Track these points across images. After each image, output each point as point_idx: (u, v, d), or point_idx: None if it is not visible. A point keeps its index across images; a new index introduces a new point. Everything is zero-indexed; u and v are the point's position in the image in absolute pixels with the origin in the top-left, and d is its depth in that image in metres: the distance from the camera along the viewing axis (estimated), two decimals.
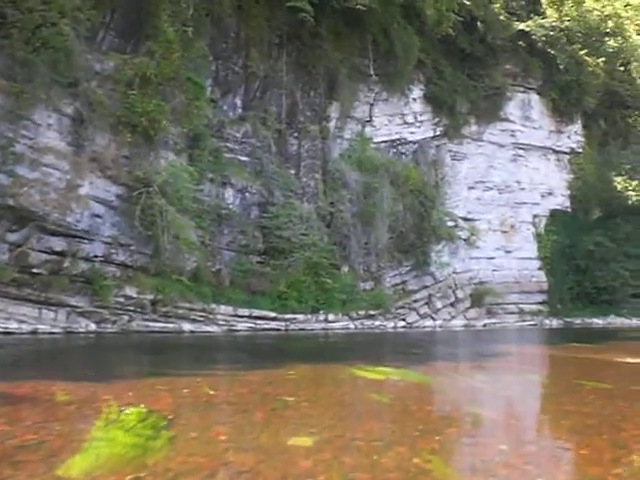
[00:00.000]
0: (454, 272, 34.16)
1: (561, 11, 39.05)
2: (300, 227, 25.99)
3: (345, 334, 25.00)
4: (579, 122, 42.13)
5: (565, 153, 41.70)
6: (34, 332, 17.99)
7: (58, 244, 18.72)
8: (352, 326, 27.14)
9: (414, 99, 34.35)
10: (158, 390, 8.52)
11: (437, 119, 35.38)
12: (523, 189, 39.14)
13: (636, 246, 38.79)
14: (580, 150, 42.18)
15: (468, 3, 33.31)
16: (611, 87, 41.59)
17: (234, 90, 26.90)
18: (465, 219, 35.83)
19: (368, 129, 32.38)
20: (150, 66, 20.78)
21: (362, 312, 27.91)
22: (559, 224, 40.24)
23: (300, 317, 25.53)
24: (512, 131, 38.69)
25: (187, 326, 21.85)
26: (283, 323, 24.82)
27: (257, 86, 27.60)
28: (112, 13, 21.57)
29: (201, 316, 22.46)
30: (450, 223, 33.93)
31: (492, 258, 36.88)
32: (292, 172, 27.99)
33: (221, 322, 22.99)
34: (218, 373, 11.24)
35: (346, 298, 27.59)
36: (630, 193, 38.92)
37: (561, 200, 41.09)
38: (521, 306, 36.64)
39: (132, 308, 20.65)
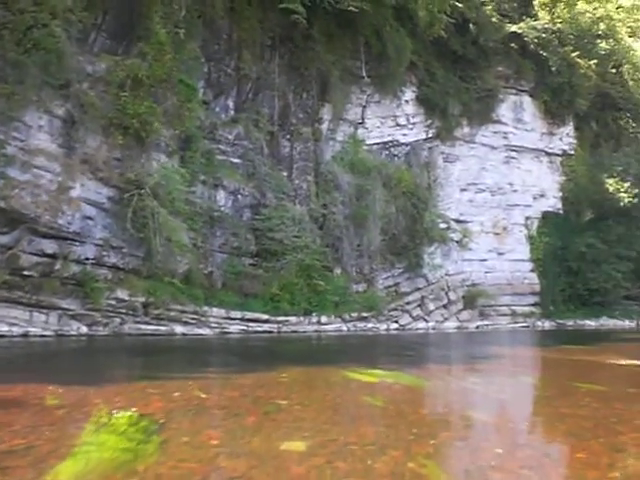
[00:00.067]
0: (446, 274, 34.15)
1: (553, 13, 39.18)
2: (292, 229, 25.93)
3: (338, 336, 24.95)
4: (571, 124, 42.19)
5: (557, 155, 41.74)
6: (25, 335, 17.89)
7: (49, 246, 18.63)
8: (345, 328, 27.07)
9: (406, 101, 34.33)
10: (149, 394, 8.46)
11: (429, 121, 35.37)
12: (515, 191, 39.15)
13: (628, 248, 38.86)
14: (572, 152, 42.22)
15: (460, 5, 33.32)
16: (603, 89, 41.67)
17: (226, 92, 26.84)
18: (457, 221, 35.80)
19: (360, 131, 32.36)
20: (142, 68, 20.71)
21: (355, 314, 27.87)
22: (551, 226, 40.26)
23: (292, 319, 25.47)
24: (504, 133, 38.71)
25: (179, 329, 21.76)
26: (275, 325, 24.76)
27: (249, 88, 27.54)
28: (104, 14, 21.47)
29: (193, 319, 22.37)
30: (442, 225, 33.89)
31: (484, 260, 36.88)
32: (284, 174, 27.94)
33: (213, 325, 22.92)
34: (210, 376, 11.17)
35: (339, 300, 27.55)
36: (622, 195, 38.95)
37: (553, 202, 41.12)
38: (513, 308, 36.65)
39: (124, 311, 20.55)
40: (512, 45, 37.17)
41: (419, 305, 31.99)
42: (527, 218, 39.63)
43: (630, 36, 45.13)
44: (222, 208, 24.84)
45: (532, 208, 39.88)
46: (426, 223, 31.95)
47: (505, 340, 26.39)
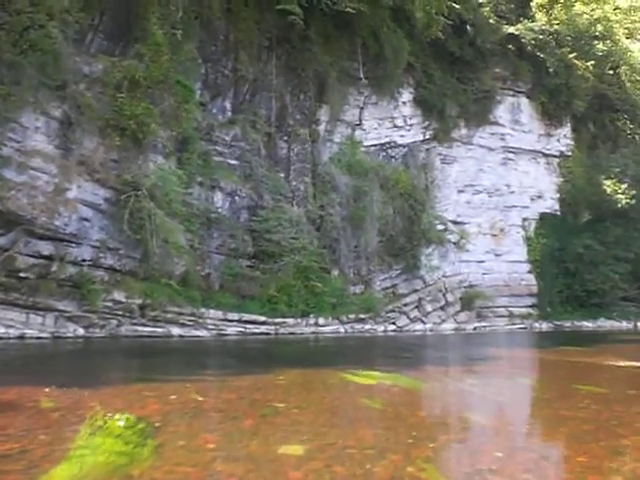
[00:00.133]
0: (444, 275, 34.14)
1: (550, 15, 39.19)
2: (290, 231, 25.91)
3: (335, 338, 24.90)
4: (568, 125, 42.22)
5: (554, 156, 41.75)
6: (22, 337, 17.84)
7: (46, 248, 18.58)
8: (342, 330, 27.04)
9: (404, 102, 34.32)
10: (145, 396, 8.39)
11: (427, 122, 35.36)
12: (513, 192, 39.15)
13: (625, 249, 38.87)
14: (569, 153, 42.24)
15: (457, 7, 33.29)
16: (600, 90, 41.71)
17: (223, 93, 26.81)
18: (455, 222, 35.81)
19: (358, 132, 32.35)
20: (139, 69, 20.70)
21: (352, 316, 27.84)
22: (549, 227, 40.26)
23: (290, 321, 25.43)
24: (502, 134, 38.72)
25: (176, 330, 21.71)
26: (273, 327, 24.72)
27: (246, 89, 27.51)
28: (101, 15, 21.44)
29: (190, 320, 22.32)
30: (440, 226, 33.92)
31: (482, 261, 36.87)
32: (282, 175, 27.91)
33: (210, 326, 22.87)
34: (207, 378, 11.10)
35: (336, 302, 27.52)
36: (619, 196, 38.97)
37: (550, 203, 41.13)
38: (511, 309, 36.63)
39: (120, 312, 20.51)
40: (509, 46, 37.20)
41: (416, 307, 31.97)
42: (524, 219, 39.63)
43: (627, 37, 45.18)
44: (219, 210, 24.80)
45: (529, 209, 39.89)
46: (423, 224, 31.96)
47: (502, 342, 26.32)
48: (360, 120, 32.50)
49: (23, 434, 5.84)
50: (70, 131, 19.32)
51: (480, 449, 5.93)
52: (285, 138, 28.65)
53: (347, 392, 9.90)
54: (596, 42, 40.68)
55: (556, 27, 38.66)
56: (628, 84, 43.86)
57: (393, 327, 29.90)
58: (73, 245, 19.40)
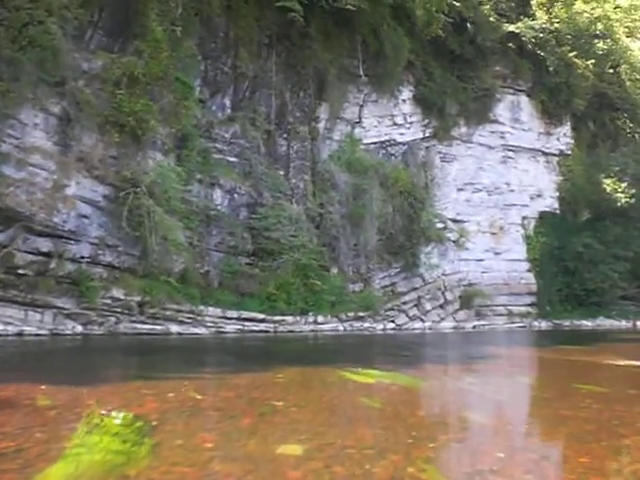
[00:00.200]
0: (443, 274, 34.10)
1: (551, 13, 39.13)
2: (289, 228, 25.86)
3: (334, 336, 24.86)
4: (568, 124, 42.18)
5: (554, 155, 41.72)
6: (20, 334, 17.81)
7: (44, 245, 18.53)
8: (341, 328, 27.00)
9: (403, 100, 34.27)
10: (143, 394, 8.35)
11: (426, 120, 35.30)
12: (512, 191, 39.10)
13: (625, 248, 38.82)
14: (569, 152, 42.21)
15: (458, 4, 33.22)
16: (600, 89, 41.68)
17: (223, 90, 26.74)
18: (454, 221, 35.76)
19: (357, 130, 32.29)
20: (138, 65, 20.63)
21: (351, 314, 27.80)
22: (548, 226, 40.23)
23: (289, 319, 25.39)
24: (501, 133, 38.67)
25: (175, 328, 21.67)
26: (272, 325, 24.67)
27: (246, 86, 27.45)
28: (100, 12, 21.38)
29: (189, 318, 22.28)
30: (439, 225, 33.85)
31: (481, 260, 36.83)
32: (281, 173, 27.86)
33: (209, 324, 22.83)
34: (205, 376, 11.06)
35: (335, 300, 27.48)
36: (619, 195, 38.95)
37: (550, 202, 41.09)
38: (510, 308, 36.59)
39: (119, 310, 20.46)
40: (510, 45, 37.15)
41: (416, 305, 31.93)
42: (524, 218, 39.60)
43: (628, 36, 45.14)
44: (218, 207, 24.75)
45: (529, 208, 39.85)
46: (423, 223, 31.90)
47: (502, 340, 26.30)
48: (360, 118, 32.45)
49: (19, 432, 5.79)
50: (69, 127, 19.28)
51: (480, 449, 5.88)
52: (285, 135, 28.60)
53: (346, 391, 9.86)
54: (596, 41, 40.66)
55: (556, 25, 38.61)
56: (628, 83, 43.85)
57: (392, 325, 29.86)
58: (72, 242, 19.36)
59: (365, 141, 32.44)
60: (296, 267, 26.01)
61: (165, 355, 16.25)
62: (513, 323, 35.92)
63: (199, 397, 8.33)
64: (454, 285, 34.44)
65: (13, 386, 8.56)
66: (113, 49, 21.34)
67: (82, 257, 19.59)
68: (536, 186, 40.35)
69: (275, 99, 28.33)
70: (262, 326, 24.35)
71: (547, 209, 40.79)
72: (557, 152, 41.73)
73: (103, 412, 6.39)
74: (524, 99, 39.65)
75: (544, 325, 36.93)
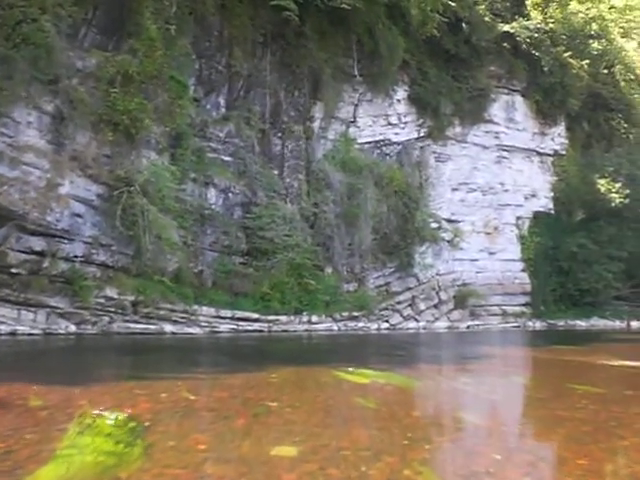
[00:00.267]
0: (437, 274, 34.06)
1: (546, 13, 39.12)
2: (283, 228, 25.79)
3: (328, 336, 24.84)
4: (563, 124, 42.17)
5: (549, 155, 41.72)
6: (13, 333, 17.72)
7: (38, 244, 18.43)
8: (335, 327, 26.96)
9: (398, 100, 34.21)
10: (136, 394, 8.29)
11: (421, 120, 35.26)
12: (507, 191, 39.08)
13: (619, 248, 38.80)
14: (564, 152, 42.22)
15: (453, 4, 33.13)
16: (595, 89, 41.68)
17: (217, 89, 26.66)
18: (449, 220, 35.73)
19: (352, 130, 32.22)
20: (132, 64, 20.54)
21: (345, 313, 27.76)
22: (542, 226, 40.23)
23: (283, 318, 25.33)
24: (496, 133, 38.63)
25: (168, 327, 21.60)
26: (266, 324, 24.61)
27: (241, 85, 27.37)
28: (94, 10, 21.24)
29: (183, 317, 22.21)
30: (434, 224, 33.80)
31: (475, 260, 36.80)
32: (276, 172, 27.78)
33: (203, 323, 22.76)
34: (199, 376, 11.01)
35: (329, 299, 27.43)
36: (613, 195, 38.91)
37: (544, 202, 41.08)
38: (504, 308, 36.58)
39: (113, 309, 20.38)
40: (504, 45, 37.08)
41: (410, 305, 31.90)
42: (518, 218, 39.58)
43: (622, 37, 45.20)
44: (212, 206, 24.67)
45: (523, 208, 39.83)
46: (417, 222, 31.86)
47: (496, 340, 26.33)
48: (354, 117, 32.39)
49: (10, 433, 5.73)
50: (62, 126, 19.18)
51: (476, 451, 5.84)
52: (279, 135, 28.53)
53: (341, 391, 9.82)
54: (591, 41, 40.68)
55: (551, 25, 38.59)
56: (622, 83, 43.90)
57: (386, 325, 29.83)
58: (65, 241, 19.27)
59: (360, 141, 32.37)
60: (290, 267, 25.96)
61: (158, 355, 16.19)
62: (507, 323, 35.91)
63: (192, 397, 8.28)
64: (448, 285, 34.41)
65: (5, 386, 8.48)
66: (107, 47, 21.23)
67: (75, 256, 19.49)
68: (530, 186, 40.33)
69: (270, 98, 28.25)
70: (256, 326, 24.29)
71: (541, 209, 40.79)
72: (551, 152, 41.74)
73: (95, 412, 6.33)
74: (519, 99, 39.63)
75: (538, 325, 36.94)
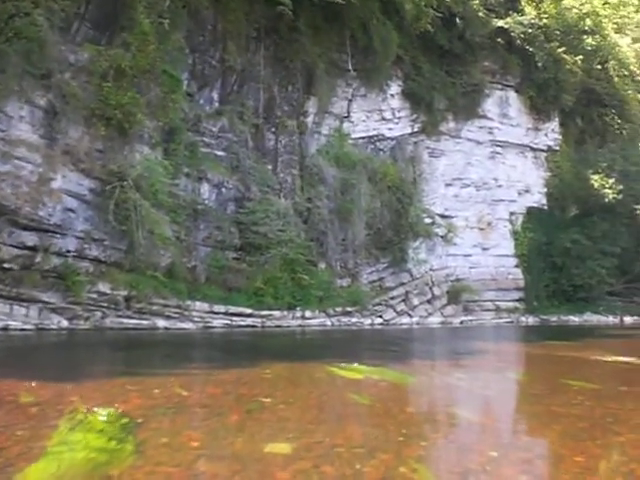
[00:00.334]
0: (431, 269, 34.07)
1: (540, 8, 38.99)
2: (277, 223, 25.75)
3: (322, 331, 24.82)
4: (556, 120, 42.15)
5: (542, 151, 41.71)
6: (5, 328, 17.61)
7: (30, 238, 18.37)
8: (329, 323, 26.95)
9: (392, 95, 34.16)
10: (128, 390, 8.22)
11: (415, 115, 35.21)
12: (500, 186, 39.07)
13: (612, 244, 38.82)
14: (557, 148, 42.23)
15: None
16: (588, 85, 41.64)
17: (211, 84, 26.58)
18: (442, 216, 35.71)
19: (346, 125, 32.16)
20: (125, 58, 20.43)
21: (339, 309, 27.75)
22: (536, 221, 40.25)
23: (276, 314, 25.31)
24: (490, 128, 38.61)
25: (162, 323, 21.54)
26: (259, 320, 24.59)
27: (234, 80, 27.28)
28: (87, 4, 21.14)
29: (176, 313, 22.15)
30: (427, 220, 33.79)
31: (469, 255, 36.81)
32: (269, 167, 27.74)
33: (196, 319, 22.71)
34: (191, 372, 10.94)
35: (323, 295, 27.42)
36: (606, 191, 38.86)
37: (538, 197, 41.10)
38: (497, 303, 36.61)
39: (105, 304, 20.31)
40: (498, 40, 37.01)
41: (403, 300, 31.90)
42: (512, 213, 39.59)
43: (616, 32, 45.07)
44: (206, 201, 24.62)
45: (517, 203, 39.84)
46: (411, 218, 31.83)
47: (489, 335, 26.33)
48: (348, 112, 32.33)
49: (0, 430, 5.66)
50: (55, 120, 19.09)
51: (472, 448, 5.79)
52: (273, 130, 28.47)
53: (334, 387, 9.78)
54: (585, 37, 40.56)
55: (545, 21, 38.49)
56: (616, 79, 43.82)
57: (380, 320, 29.80)
58: (58, 236, 19.19)
59: (353, 136, 32.32)
60: (284, 262, 25.94)
61: (151, 350, 16.13)
62: (501, 318, 35.89)
63: (185, 393, 8.22)
64: (442, 280, 34.41)
65: None
66: (100, 41, 21.12)
67: (68, 251, 19.42)
68: (524, 182, 40.33)
69: (263, 93, 28.19)
70: (249, 321, 24.27)
71: (535, 205, 40.80)
72: (545, 148, 41.74)
73: (87, 409, 6.27)
74: (512, 94, 39.60)
75: (531, 320, 36.96)
